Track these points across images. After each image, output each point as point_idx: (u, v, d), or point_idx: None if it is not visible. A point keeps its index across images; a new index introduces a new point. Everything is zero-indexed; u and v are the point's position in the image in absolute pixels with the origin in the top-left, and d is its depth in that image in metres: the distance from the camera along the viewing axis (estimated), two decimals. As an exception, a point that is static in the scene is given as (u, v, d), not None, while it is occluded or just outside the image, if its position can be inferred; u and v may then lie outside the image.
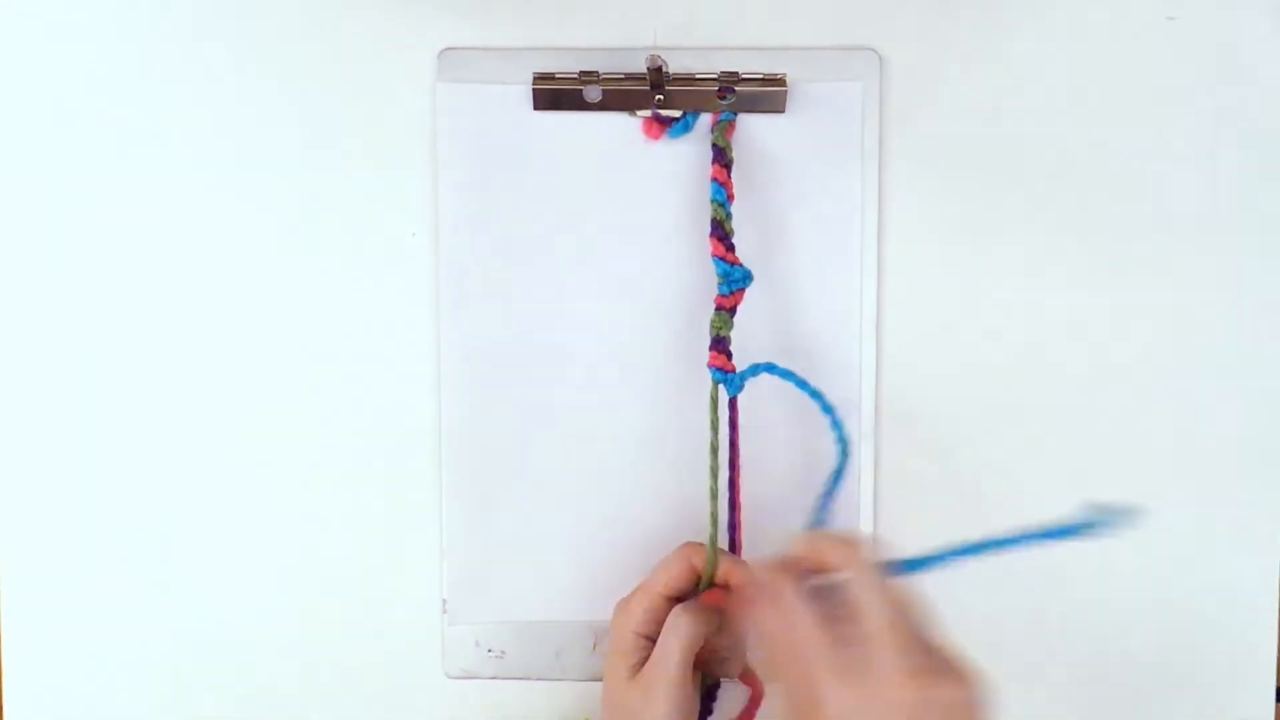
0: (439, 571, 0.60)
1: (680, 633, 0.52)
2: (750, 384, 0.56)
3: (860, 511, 0.60)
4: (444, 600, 0.61)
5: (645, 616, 0.54)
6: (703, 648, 0.54)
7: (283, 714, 0.61)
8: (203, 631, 0.61)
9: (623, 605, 0.55)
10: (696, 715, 0.56)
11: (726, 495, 0.57)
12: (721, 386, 0.55)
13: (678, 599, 0.55)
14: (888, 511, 0.60)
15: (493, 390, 0.59)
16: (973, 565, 0.47)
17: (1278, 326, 0.60)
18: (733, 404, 0.57)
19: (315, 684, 0.61)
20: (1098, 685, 0.61)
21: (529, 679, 0.61)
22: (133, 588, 0.61)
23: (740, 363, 0.56)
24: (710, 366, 0.55)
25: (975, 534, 0.47)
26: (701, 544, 0.55)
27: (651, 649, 0.54)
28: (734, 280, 0.56)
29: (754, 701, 0.60)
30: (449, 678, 0.61)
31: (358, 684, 0.61)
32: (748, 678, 0.60)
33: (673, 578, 0.54)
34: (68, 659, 0.61)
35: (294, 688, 0.61)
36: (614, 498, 0.60)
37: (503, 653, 0.61)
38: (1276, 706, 0.61)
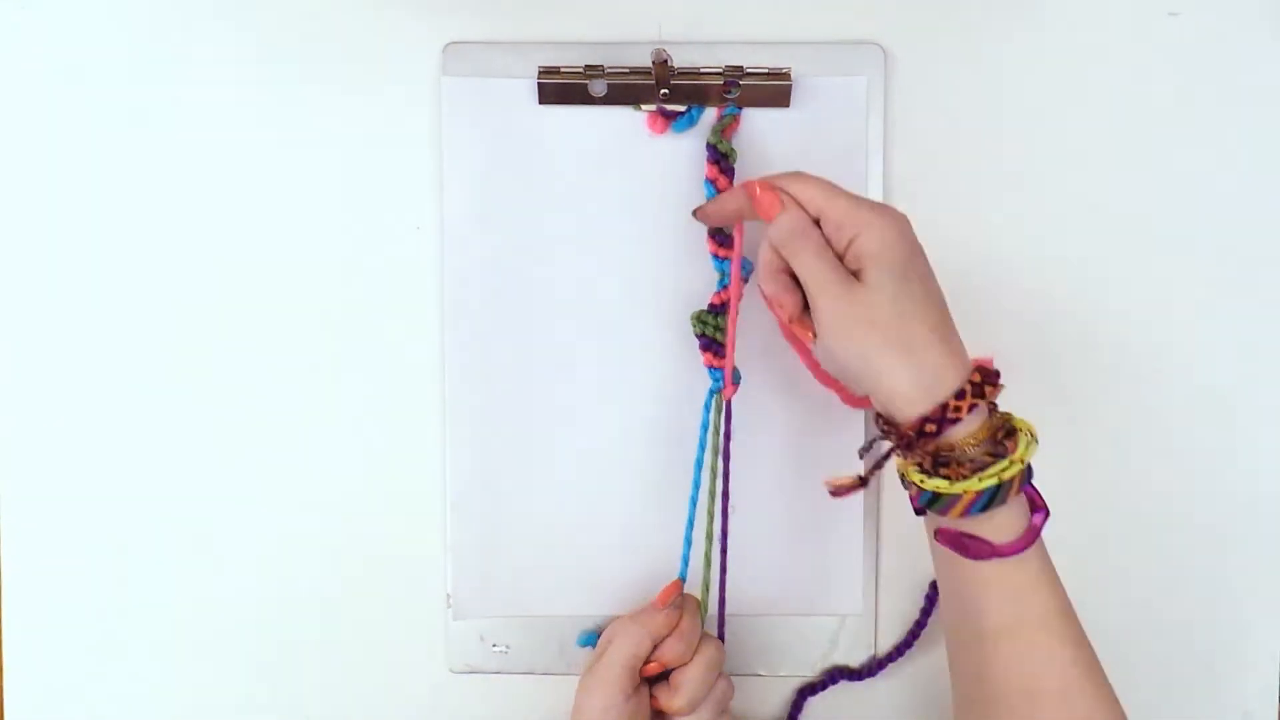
0: (444, 566, 0.60)
1: (621, 639, 0.54)
2: (750, 385, 0.56)
3: (872, 498, 0.60)
4: (448, 595, 0.60)
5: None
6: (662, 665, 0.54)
7: (287, 708, 0.61)
8: (206, 626, 0.61)
9: (621, 624, 0.55)
10: None
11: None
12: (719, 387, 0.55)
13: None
14: (893, 503, 0.60)
15: (498, 384, 0.59)
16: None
17: (1277, 322, 0.60)
18: (727, 406, 0.56)
19: (320, 678, 0.61)
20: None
21: (533, 674, 0.61)
22: (135, 582, 0.61)
23: (740, 363, 0.56)
24: (707, 367, 0.55)
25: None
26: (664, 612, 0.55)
27: None
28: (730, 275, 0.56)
29: None
30: (453, 672, 0.61)
31: (362, 678, 0.61)
32: None
33: (647, 634, 0.54)
34: (68, 656, 0.61)
35: (299, 682, 0.61)
36: (619, 493, 0.60)
37: (507, 648, 0.61)
38: None
